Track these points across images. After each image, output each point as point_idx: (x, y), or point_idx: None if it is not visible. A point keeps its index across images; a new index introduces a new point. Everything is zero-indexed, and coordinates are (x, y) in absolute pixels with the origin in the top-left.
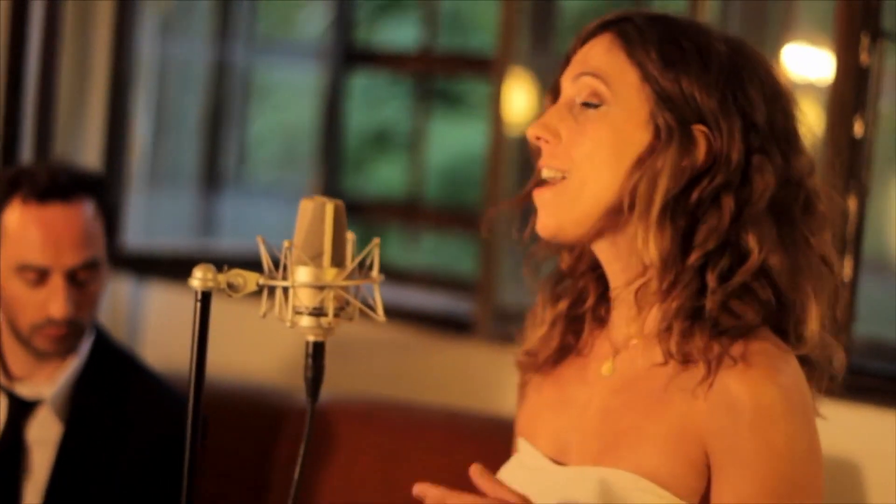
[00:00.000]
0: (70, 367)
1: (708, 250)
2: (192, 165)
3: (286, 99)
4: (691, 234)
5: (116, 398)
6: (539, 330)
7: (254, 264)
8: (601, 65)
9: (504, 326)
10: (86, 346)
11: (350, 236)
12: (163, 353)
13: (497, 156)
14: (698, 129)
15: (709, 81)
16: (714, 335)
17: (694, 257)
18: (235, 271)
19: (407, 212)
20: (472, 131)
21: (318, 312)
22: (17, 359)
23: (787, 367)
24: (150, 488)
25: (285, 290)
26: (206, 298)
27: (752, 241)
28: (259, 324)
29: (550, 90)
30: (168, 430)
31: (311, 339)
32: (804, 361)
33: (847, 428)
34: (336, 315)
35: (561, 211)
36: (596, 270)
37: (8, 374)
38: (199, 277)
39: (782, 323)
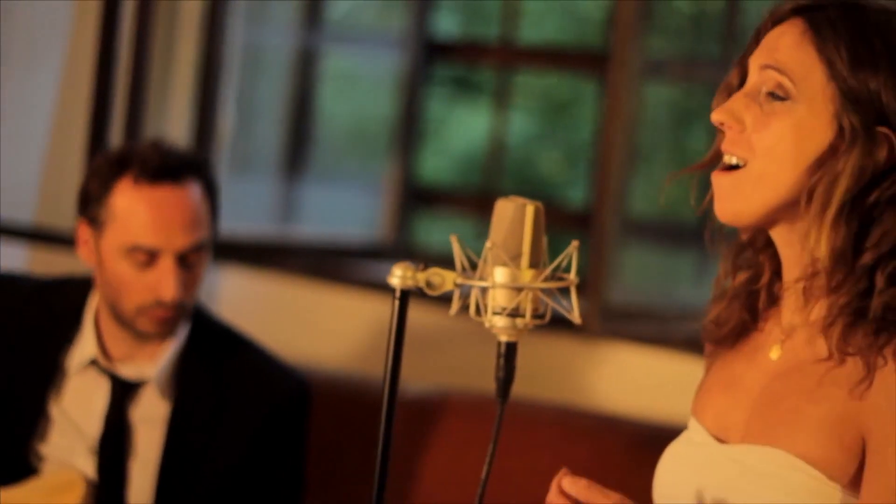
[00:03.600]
0: (172, 346)
1: (881, 252)
2: (273, 152)
3: (364, 87)
4: (864, 234)
5: (221, 374)
6: (722, 301)
7: (332, 252)
8: (788, 60)
9: (613, 324)
10: (186, 324)
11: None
12: None
13: (609, 153)
14: (882, 132)
15: None
16: (877, 332)
17: (866, 258)
18: (434, 270)
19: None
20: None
21: (515, 313)
22: (116, 341)
23: None
24: (261, 462)
25: (483, 289)
26: (404, 297)
27: None
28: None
29: (737, 66)
30: (276, 402)
31: (504, 339)
32: None
33: None
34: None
35: (738, 199)
36: (773, 246)
37: (108, 356)
38: (399, 276)
39: None
